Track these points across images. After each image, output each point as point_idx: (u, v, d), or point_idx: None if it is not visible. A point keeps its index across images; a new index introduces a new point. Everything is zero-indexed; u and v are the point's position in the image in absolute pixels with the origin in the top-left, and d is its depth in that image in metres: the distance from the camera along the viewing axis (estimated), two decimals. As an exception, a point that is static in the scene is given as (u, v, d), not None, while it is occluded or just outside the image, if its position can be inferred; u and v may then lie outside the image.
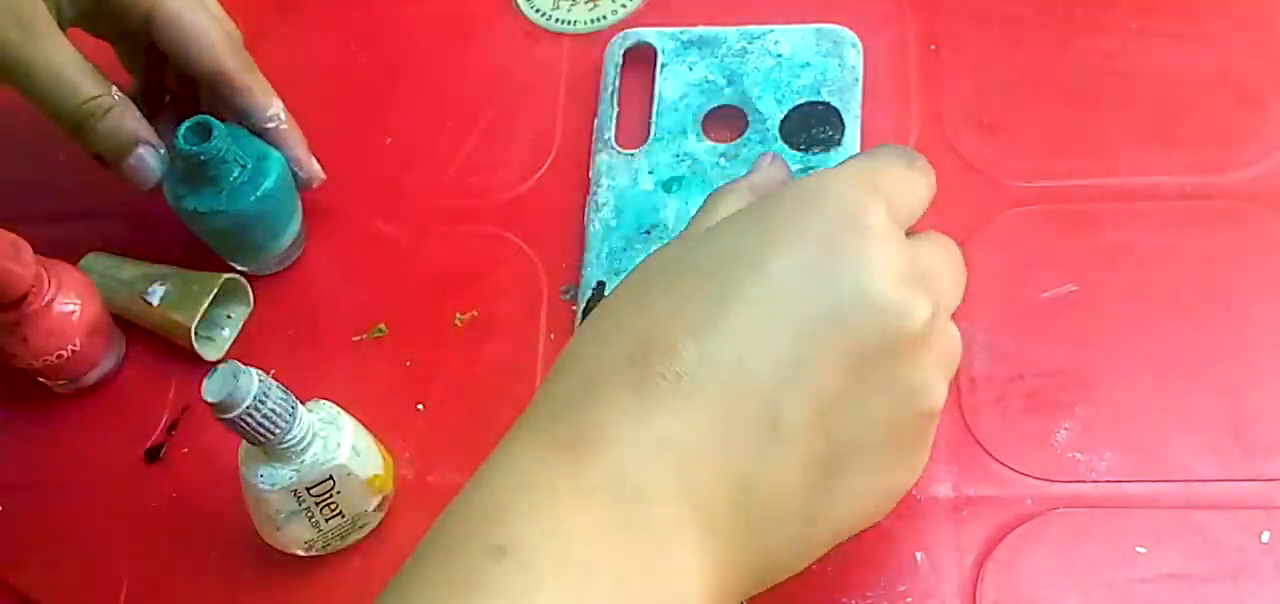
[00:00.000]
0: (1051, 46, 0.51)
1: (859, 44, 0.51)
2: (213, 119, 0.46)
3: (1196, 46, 0.50)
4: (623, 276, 0.41)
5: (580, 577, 0.28)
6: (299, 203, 0.50)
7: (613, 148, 0.51)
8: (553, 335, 0.48)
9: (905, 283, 0.32)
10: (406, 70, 0.56)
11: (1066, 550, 0.40)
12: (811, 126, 0.49)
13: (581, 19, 0.56)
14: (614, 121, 0.51)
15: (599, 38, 0.54)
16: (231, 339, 0.50)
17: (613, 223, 0.49)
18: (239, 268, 0.50)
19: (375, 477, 0.42)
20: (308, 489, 0.40)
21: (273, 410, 0.38)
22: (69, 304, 0.46)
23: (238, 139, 0.47)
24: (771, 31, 0.52)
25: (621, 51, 0.53)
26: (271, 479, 0.40)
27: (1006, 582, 0.40)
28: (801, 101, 0.50)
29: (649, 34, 0.53)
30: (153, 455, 0.48)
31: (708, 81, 0.51)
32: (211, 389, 0.37)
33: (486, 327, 0.48)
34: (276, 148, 0.48)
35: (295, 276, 0.51)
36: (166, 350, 0.50)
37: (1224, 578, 0.39)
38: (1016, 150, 0.49)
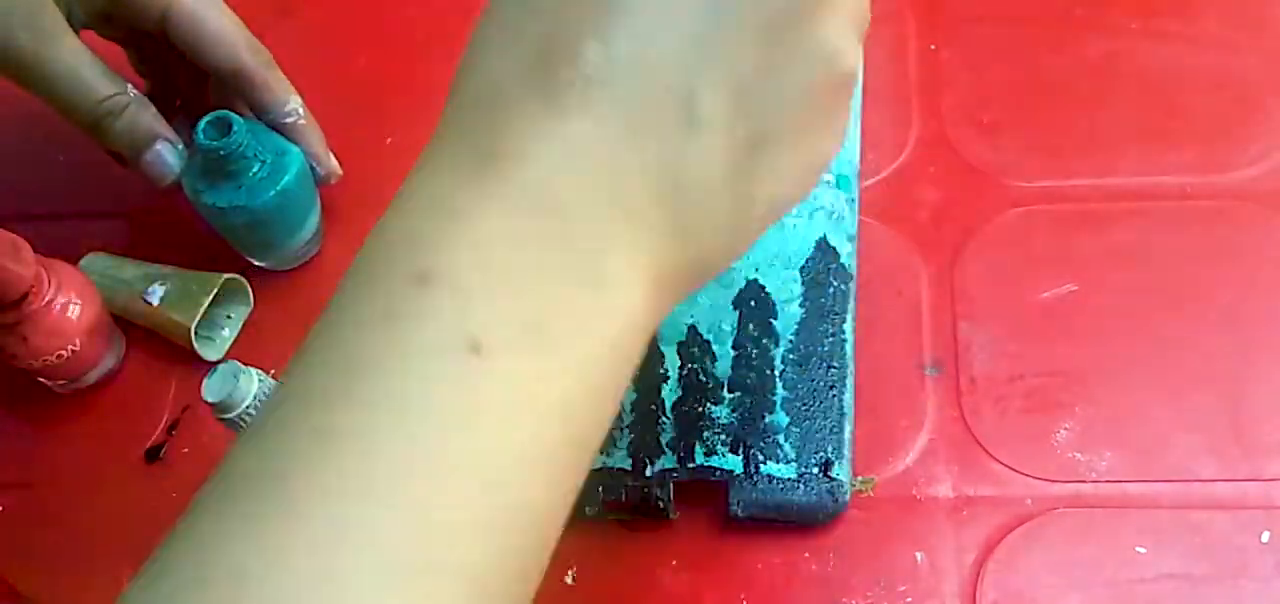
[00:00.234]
0: (1051, 46, 0.51)
1: (859, 44, 0.51)
2: (233, 114, 0.45)
3: (1196, 46, 0.50)
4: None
5: (512, 295, 0.27)
6: (317, 198, 0.50)
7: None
8: (553, 335, 0.47)
9: None
10: (406, 70, 0.56)
11: (1066, 550, 0.40)
12: (811, 126, 0.49)
13: (581, 19, 0.55)
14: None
15: (599, 37, 0.54)
16: (231, 339, 0.50)
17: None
18: (256, 263, 0.50)
19: (375, 477, 0.42)
20: (308, 489, 0.40)
21: (273, 410, 0.38)
22: (69, 304, 0.46)
23: (257, 134, 0.47)
24: (771, 31, 0.52)
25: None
26: (271, 479, 0.40)
27: (1006, 582, 0.40)
28: (801, 101, 0.50)
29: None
30: (153, 455, 0.48)
31: (708, 81, 0.51)
32: (211, 389, 0.37)
33: (486, 326, 0.48)
34: (295, 143, 0.48)
35: (295, 277, 0.51)
36: (166, 350, 0.50)
37: (1224, 578, 0.39)
38: (1016, 150, 0.49)
